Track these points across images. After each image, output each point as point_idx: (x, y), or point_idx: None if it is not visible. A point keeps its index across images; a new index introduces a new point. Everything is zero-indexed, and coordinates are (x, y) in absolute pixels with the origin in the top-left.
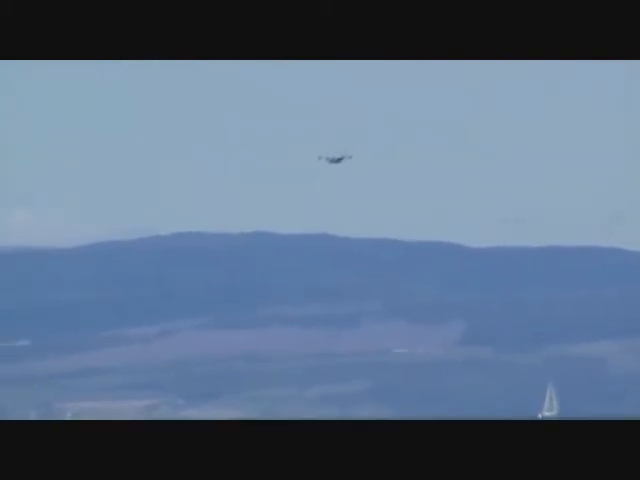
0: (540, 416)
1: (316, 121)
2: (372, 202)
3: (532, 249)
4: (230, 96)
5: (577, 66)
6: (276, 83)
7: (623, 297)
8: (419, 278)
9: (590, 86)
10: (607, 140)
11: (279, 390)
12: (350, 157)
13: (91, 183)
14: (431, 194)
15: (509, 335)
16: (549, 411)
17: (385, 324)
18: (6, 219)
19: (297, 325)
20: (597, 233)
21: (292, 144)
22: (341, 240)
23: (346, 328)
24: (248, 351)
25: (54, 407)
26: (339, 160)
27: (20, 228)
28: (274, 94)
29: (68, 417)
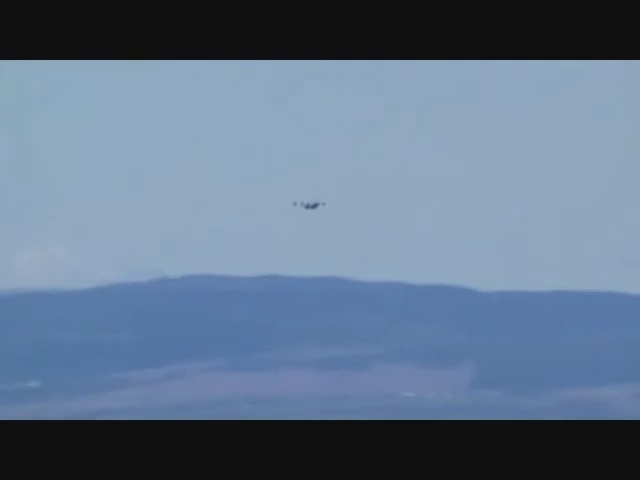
0: None
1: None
2: (379, 244)
3: (540, 293)
4: (235, 107)
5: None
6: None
7: (633, 341)
8: (427, 321)
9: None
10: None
11: None
12: (324, 204)
13: (99, 225)
14: (438, 236)
15: (518, 379)
16: None
17: (394, 367)
18: (13, 260)
19: (305, 368)
20: (607, 276)
21: (298, 182)
22: (349, 283)
23: (355, 371)
24: (256, 394)
25: None
26: (314, 206)
27: (27, 269)
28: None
29: None
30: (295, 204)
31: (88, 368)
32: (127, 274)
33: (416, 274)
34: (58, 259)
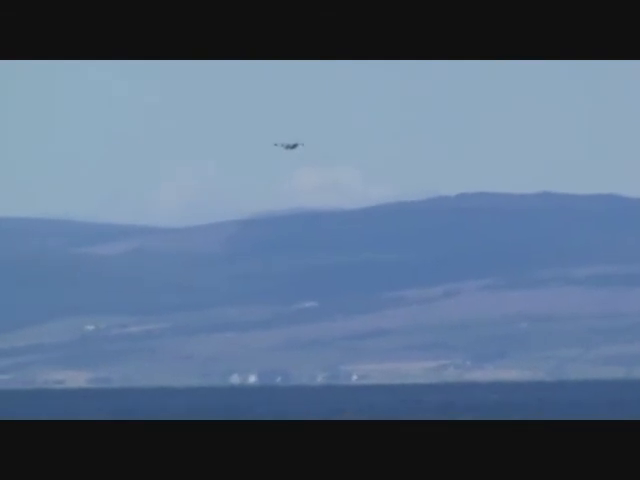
0: None
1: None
2: None
3: None
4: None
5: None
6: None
7: None
8: None
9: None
10: None
11: (564, 351)
12: (302, 144)
13: (385, 147)
14: None
15: None
16: None
17: None
18: (292, 181)
19: (581, 285)
20: None
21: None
22: (624, 201)
23: (626, 288)
24: (533, 312)
25: (340, 370)
26: (294, 146)
27: (308, 190)
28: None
29: (354, 380)
30: (276, 145)
31: (364, 287)
32: (403, 193)
33: None
34: (336, 179)
